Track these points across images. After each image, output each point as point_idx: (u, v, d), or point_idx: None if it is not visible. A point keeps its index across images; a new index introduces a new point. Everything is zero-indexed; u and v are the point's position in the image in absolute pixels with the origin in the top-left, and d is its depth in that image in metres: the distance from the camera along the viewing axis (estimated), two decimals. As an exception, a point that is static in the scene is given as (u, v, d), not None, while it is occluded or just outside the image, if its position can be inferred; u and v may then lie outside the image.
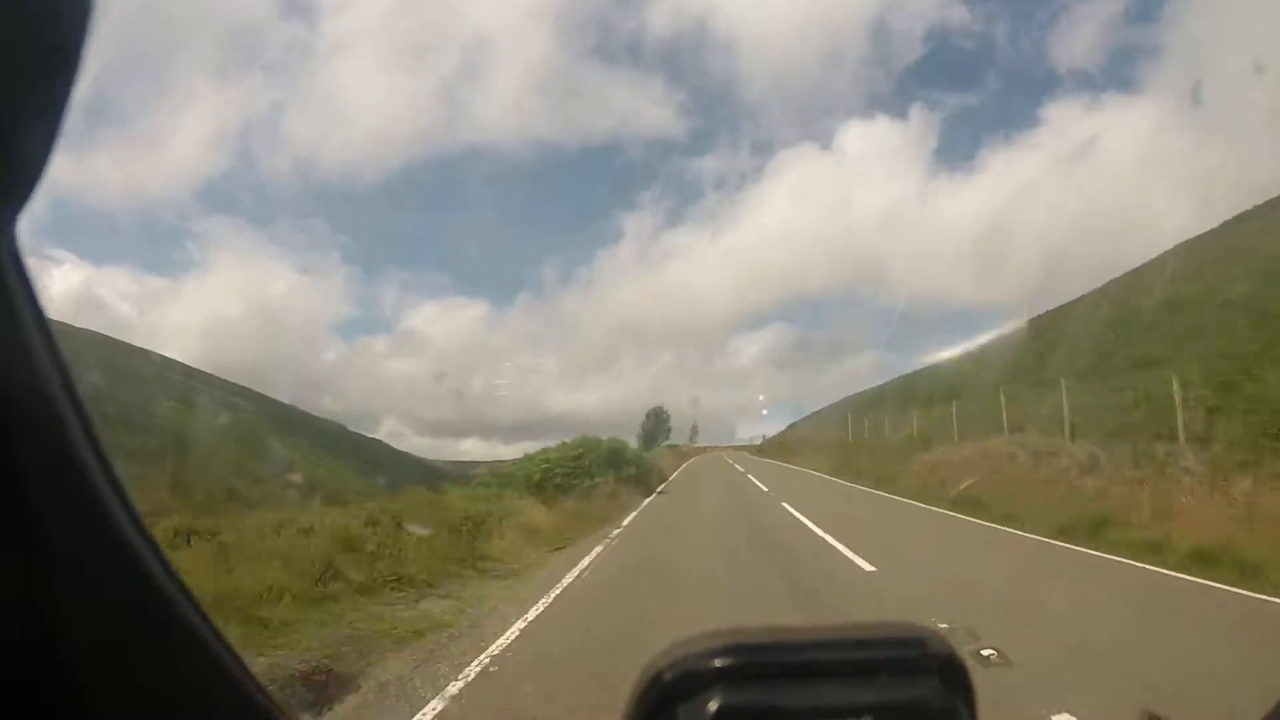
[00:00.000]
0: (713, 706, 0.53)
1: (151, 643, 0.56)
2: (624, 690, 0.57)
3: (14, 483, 0.46)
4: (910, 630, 0.59)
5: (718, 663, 0.54)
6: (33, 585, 0.48)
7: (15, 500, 0.46)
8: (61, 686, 0.50)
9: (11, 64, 0.40)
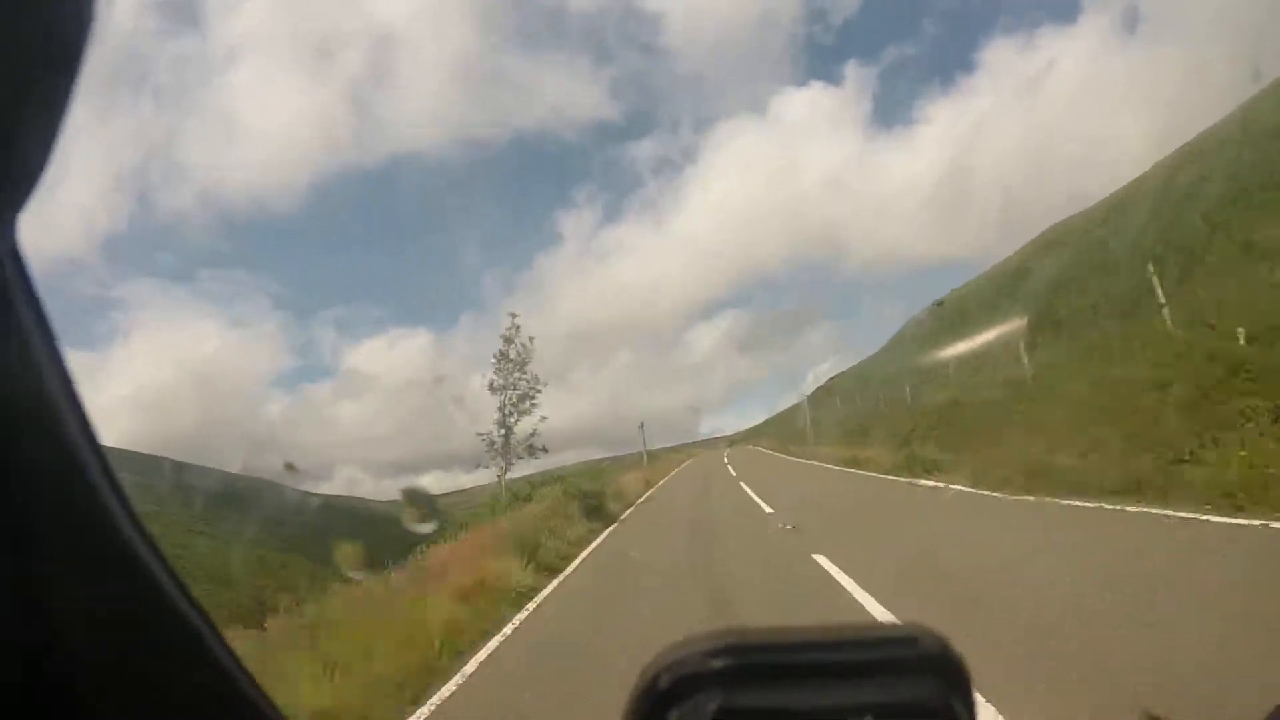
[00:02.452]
0: (712, 707, 0.55)
1: (152, 645, 0.57)
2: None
3: (14, 483, 0.47)
4: (908, 630, 0.60)
5: (716, 663, 0.56)
6: (33, 587, 0.49)
7: (15, 501, 0.47)
8: (62, 689, 0.51)
9: (11, 64, 0.40)
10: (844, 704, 0.56)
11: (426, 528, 8.99)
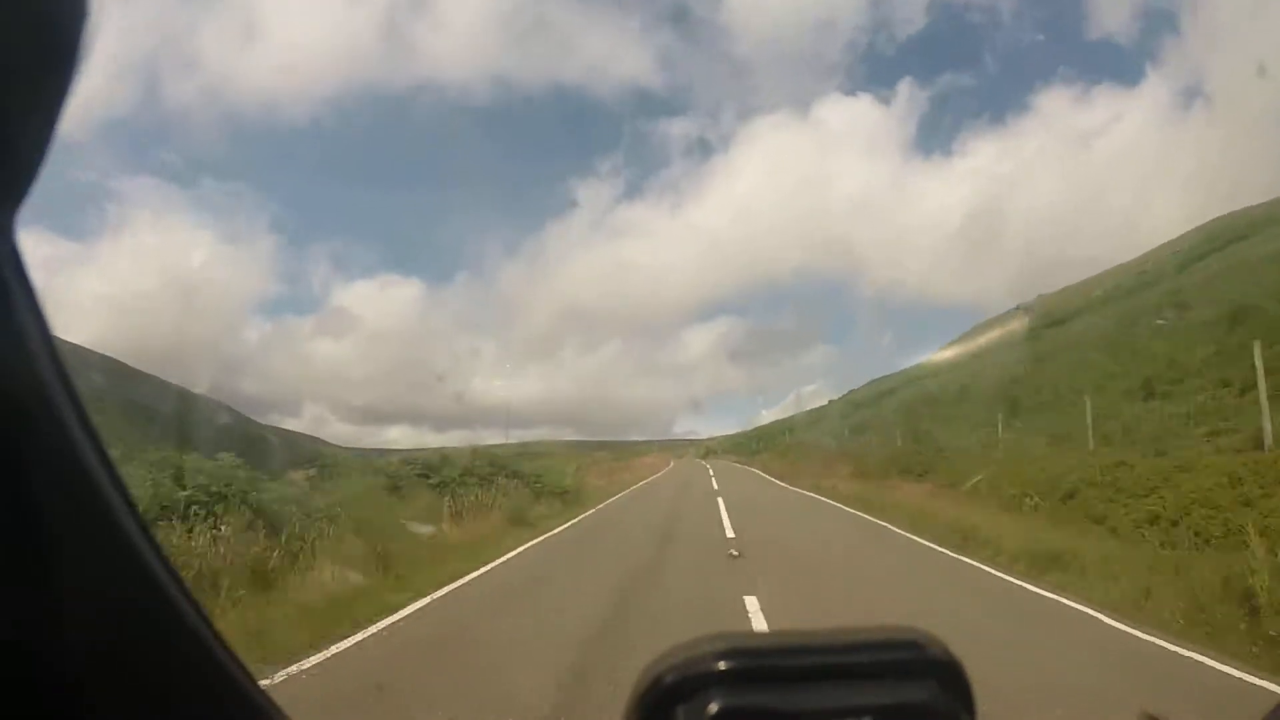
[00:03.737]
0: (713, 709, 0.56)
1: (151, 642, 0.58)
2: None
3: (14, 482, 0.48)
4: (909, 634, 0.62)
5: (717, 665, 0.57)
6: (33, 584, 0.50)
7: (15, 499, 0.48)
8: (61, 685, 0.52)
9: (7, 63, 0.41)
10: (845, 707, 0.57)
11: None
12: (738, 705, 0.56)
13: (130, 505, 0.56)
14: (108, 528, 0.54)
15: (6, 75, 0.42)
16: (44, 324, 0.49)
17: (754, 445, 62.68)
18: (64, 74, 0.44)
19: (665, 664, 0.59)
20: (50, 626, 0.51)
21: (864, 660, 0.60)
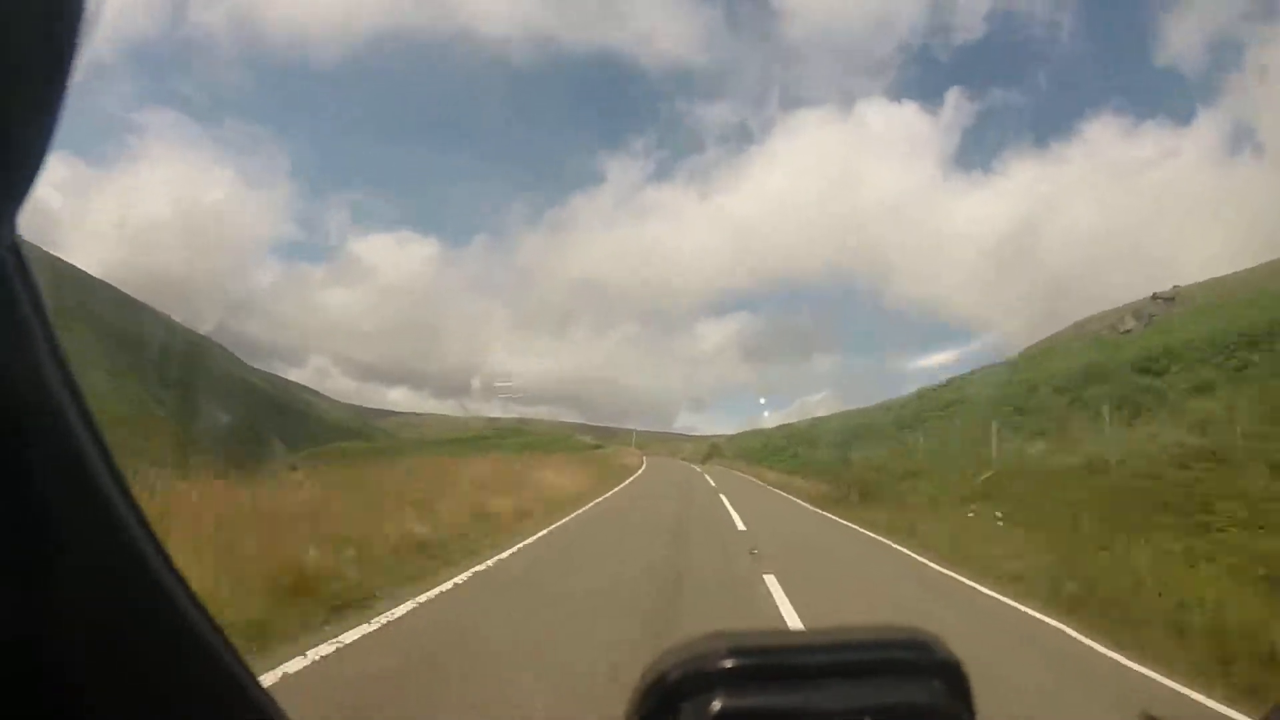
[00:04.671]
0: (715, 706, 0.57)
1: (153, 642, 0.59)
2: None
3: (16, 482, 0.48)
4: (911, 633, 0.63)
5: (720, 664, 0.58)
6: (35, 584, 0.50)
7: (17, 499, 0.48)
8: (62, 686, 0.53)
9: (10, 63, 0.42)
10: (847, 706, 0.58)
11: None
12: (740, 704, 0.57)
13: (133, 504, 0.56)
14: (110, 527, 0.54)
15: (6, 75, 0.42)
16: (46, 322, 0.50)
17: (767, 450, 50.33)
18: (64, 74, 0.44)
19: (669, 661, 0.60)
20: (51, 626, 0.51)
21: (866, 659, 0.61)
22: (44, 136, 0.44)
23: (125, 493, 0.56)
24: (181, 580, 0.60)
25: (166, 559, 0.59)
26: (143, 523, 0.57)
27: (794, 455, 42.88)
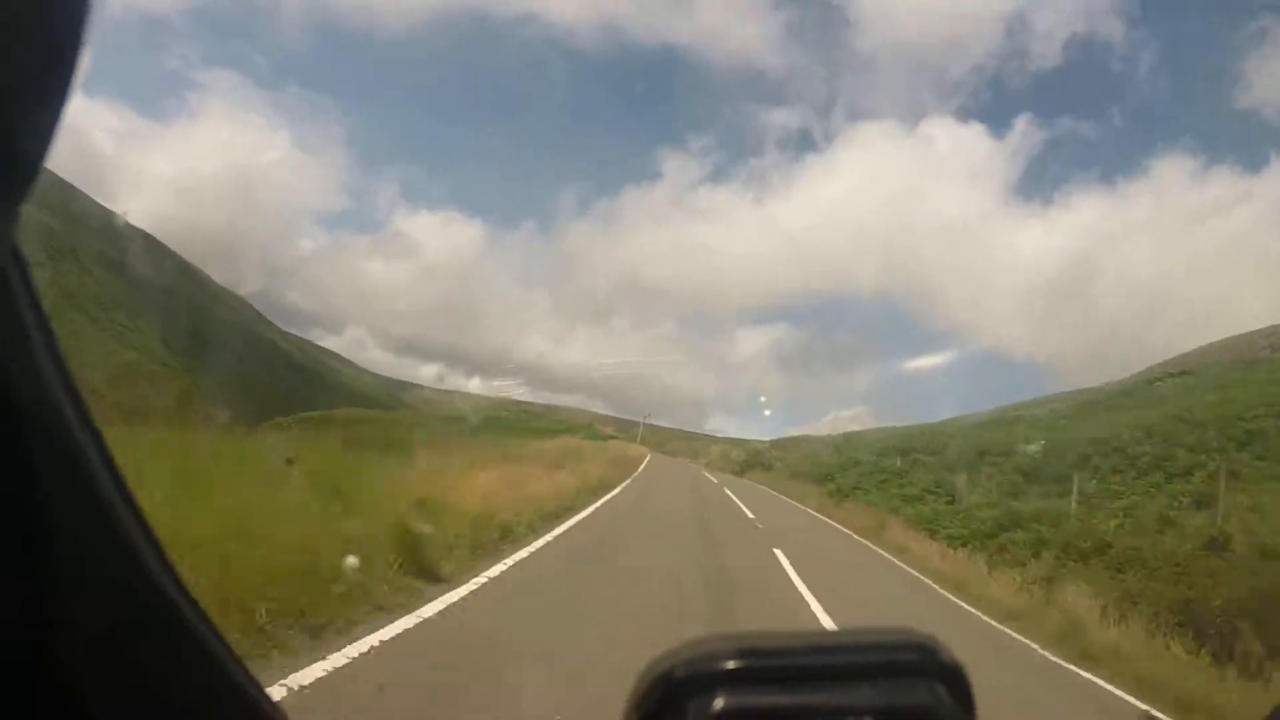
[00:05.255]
0: (717, 706, 0.57)
1: (151, 642, 0.60)
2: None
3: (15, 481, 0.49)
4: (912, 636, 0.63)
5: (722, 664, 0.59)
6: (33, 583, 0.51)
7: (16, 498, 0.49)
8: (61, 685, 0.53)
9: (10, 63, 0.42)
10: (848, 707, 0.59)
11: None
12: (741, 704, 0.58)
13: (131, 504, 0.57)
14: (108, 527, 0.55)
15: (7, 75, 0.42)
16: (45, 322, 0.50)
17: (783, 459, 40.95)
18: (64, 73, 0.45)
19: (671, 661, 0.60)
20: (50, 626, 0.52)
21: (867, 661, 0.62)
22: (43, 140, 0.45)
23: (125, 493, 0.56)
24: (178, 579, 0.61)
25: (163, 557, 0.59)
26: (142, 523, 0.57)
27: (906, 483, 27.39)
